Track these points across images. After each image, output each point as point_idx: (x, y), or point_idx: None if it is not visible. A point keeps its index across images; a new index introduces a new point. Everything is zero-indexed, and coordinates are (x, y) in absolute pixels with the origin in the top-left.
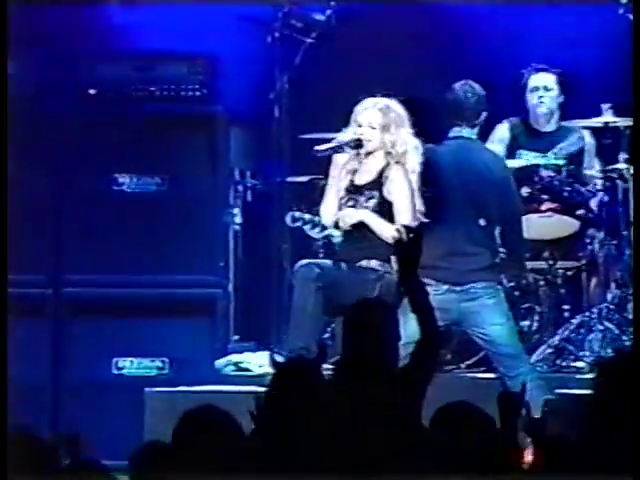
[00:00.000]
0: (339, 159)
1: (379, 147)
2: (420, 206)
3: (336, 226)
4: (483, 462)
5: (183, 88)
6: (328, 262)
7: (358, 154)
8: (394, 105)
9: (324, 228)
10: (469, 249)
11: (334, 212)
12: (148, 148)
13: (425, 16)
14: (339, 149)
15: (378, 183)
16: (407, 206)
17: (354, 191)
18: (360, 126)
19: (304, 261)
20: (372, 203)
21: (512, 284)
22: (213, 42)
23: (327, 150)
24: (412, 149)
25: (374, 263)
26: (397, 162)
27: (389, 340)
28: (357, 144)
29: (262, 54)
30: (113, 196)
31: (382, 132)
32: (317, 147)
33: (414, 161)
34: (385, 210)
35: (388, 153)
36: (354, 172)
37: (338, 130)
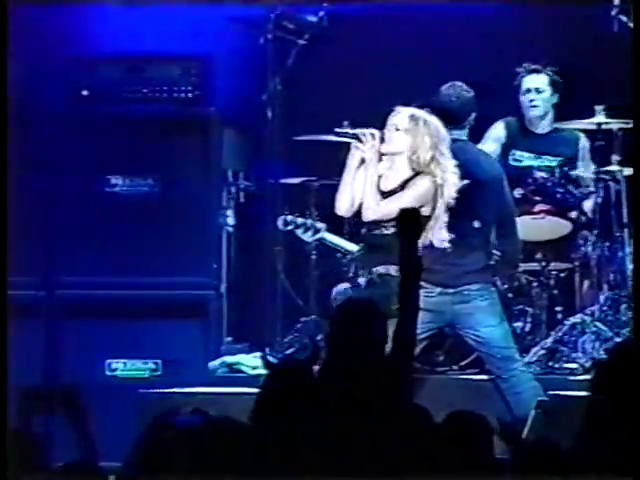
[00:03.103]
0: (357, 153)
1: (400, 150)
2: (446, 220)
3: (357, 216)
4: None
5: (176, 89)
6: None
7: (379, 153)
8: (427, 116)
9: (316, 231)
10: (463, 251)
11: (349, 204)
12: (141, 149)
13: (418, 16)
14: (357, 137)
15: (401, 189)
16: (393, 203)
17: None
18: (388, 127)
19: (341, 286)
20: None
21: (506, 286)
22: (206, 43)
23: (346, 134)
24: (445, 163)
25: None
26: (426, 174)
27: (379, 341)
28: (380, 140)
29: (255, 55)
30: (106, 197)
31: (406, 135)
32: (336, 129)
33: (449, 175)
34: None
35: (411, 160)
36: (379, 175)
37: (331, 131)
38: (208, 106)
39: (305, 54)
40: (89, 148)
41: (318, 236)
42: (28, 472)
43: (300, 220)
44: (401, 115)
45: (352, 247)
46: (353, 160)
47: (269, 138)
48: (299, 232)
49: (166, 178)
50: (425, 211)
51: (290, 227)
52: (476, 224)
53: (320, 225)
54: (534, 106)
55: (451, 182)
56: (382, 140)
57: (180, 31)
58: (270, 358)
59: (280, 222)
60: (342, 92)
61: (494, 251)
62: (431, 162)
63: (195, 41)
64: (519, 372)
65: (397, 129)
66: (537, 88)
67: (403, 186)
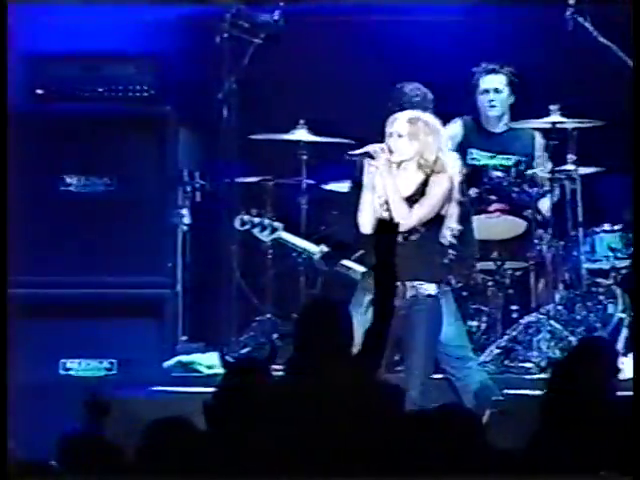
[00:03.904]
0: (371, 168)
1: (409, 156)
2: (455, 219)
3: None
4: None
5: (131, 88)
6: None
7: (390, 163)
8: (424, 116)
9: (273, 230)
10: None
11: (371, 220)
12: (96, 148)
13: (374, 16)
14: (369, 155)
15: (421, 194)
16: (423, 209)
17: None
18: (390, 136)
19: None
20: None
21: (461, 284)
22: (161, 42)
23: (357, 155)
24: (448, 158)
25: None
26: (438, 172)
27: (343, 339)
28: (388, 151)
29: (210, 54)
30: (61, 196)
31: (410, 140)
32: (349, 152)
33: (453, 169)
34: (433, 218)
35: (420, 165)
36: (395, 184)
37: (286, 130)
38: (164, 105)
39: (261, 53)
40: (44, 147)
41: (275, 235)
42: (28, 472)
43: (257, 219)
44: (400, 121)
45: (312, 247)
46: (369, 177)
47: (225, 137)
48: (256, 231)
49: (122, 177)
50: (443, 210)
51: (247, 227)
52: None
53: (277, 224)
54: (492, 106)
55: (456, 175)
56: (390, 150)
57: (136, 30)
58: (228, 357)
59: (237, 222)
60: (297, 91)
61: (449, 251)
62: (437, 161)
63: (151, 40)
64: (474, 371)
65: (400, 135)
66: (496, 88)
67: (422, 190)
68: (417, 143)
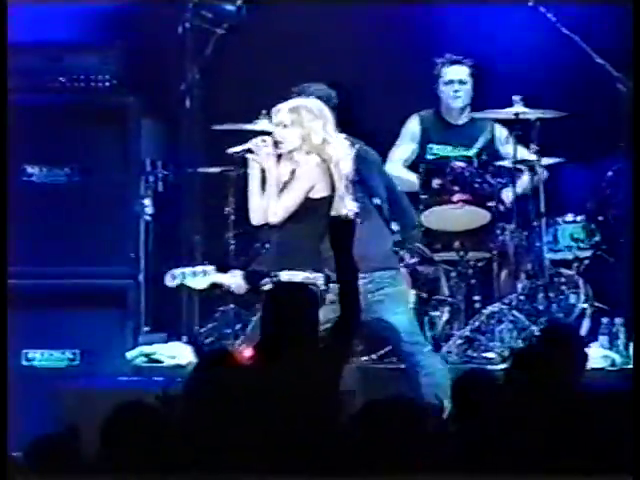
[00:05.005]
0: (257, 160)
1: (296, 145)
2: (352, 204)
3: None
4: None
5: (94, 78)
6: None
7: (279, 156)
8: (306, 102)
9: (205, 274)
10: (370, 234)
11: (261, 214)
12: (58, 138)
13: (337, 7)
14: (252, 150)
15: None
16: (285, 195)
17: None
18: (276, 127)
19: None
20: None
21: (414, 261)
22: (124, 32)
23: (241, 152)
24: (337, 141)
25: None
26: (310, 153)
27: (310, 327)
28: (274, 143)
29: (173, 45)
30: (22, 187)
31: (294, 128)
32: (230, 149)
33: (342, 152)
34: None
35: (308, 153)
36: (274, 176)
37: (249, 121)
38: (126, 95)
39: (223, 43)
40: (5, 137)
41: (210, 280)
42: (29, 472)
43: (188, 270)
44: (282, 111)
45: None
46: (253, 172)
47: (188, 127)
48: (189, 281)
49: (84, 167)
50: (321, 189)
51: (178, 280)
52: (377, 201)
53: (208, 268)
54: (457, 97)
55: (345, 155)
56: (276, 143)
57: (98, 20)
58: (202, 347)
59: (168, 278)
60: (260, 81)
61: (395, 236)
62: (323, 144)
63: (113, 30)
64: (429, 354)
65: (285, 126)
66: (460, 79)
67: (293, 174)
68: (301, 130)
